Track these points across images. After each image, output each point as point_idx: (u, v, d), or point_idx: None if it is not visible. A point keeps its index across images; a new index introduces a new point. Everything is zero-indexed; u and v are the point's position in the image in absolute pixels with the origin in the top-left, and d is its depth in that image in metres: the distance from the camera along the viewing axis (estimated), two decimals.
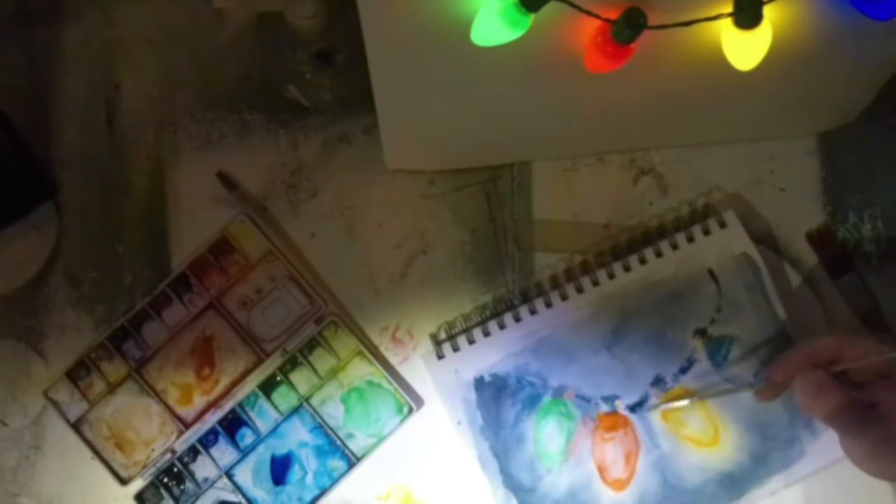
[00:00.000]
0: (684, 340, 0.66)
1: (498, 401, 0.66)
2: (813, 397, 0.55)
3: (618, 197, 0.71)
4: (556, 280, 0.69)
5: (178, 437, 0.67)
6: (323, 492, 0.67)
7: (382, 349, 0.69)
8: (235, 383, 0.68)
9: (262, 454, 0.67)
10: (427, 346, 0.68)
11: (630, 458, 0.65)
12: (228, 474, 0.67)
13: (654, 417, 0.65)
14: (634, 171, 0.71)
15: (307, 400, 0.67)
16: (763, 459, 0.64)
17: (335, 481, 0.67)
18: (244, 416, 0.68)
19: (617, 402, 0.66)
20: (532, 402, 0.66)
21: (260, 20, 0.71)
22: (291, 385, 0.68)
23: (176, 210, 0.71)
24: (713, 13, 0.49)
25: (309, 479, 0.67)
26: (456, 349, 0.67)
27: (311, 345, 0.68)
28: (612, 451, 0.65)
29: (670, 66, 0.56)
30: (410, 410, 0.67)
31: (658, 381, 0.66)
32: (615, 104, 0.62)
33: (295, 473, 0.67)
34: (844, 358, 0.56)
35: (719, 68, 0.52)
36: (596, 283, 0.67)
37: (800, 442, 0.64)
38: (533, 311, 0.67)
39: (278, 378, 0.68)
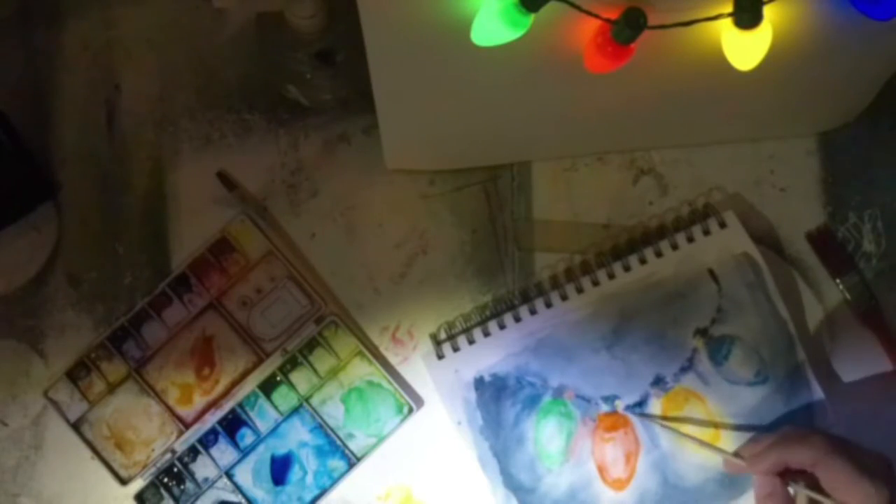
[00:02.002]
0: (685, 340, 0.66)
1: (498, 401, 0.66)
2: (761, 499, 0.57)
3: (618, 197, 0.71)
4: (556, 280, 0.69)
5: (178, 437, 0.67)
6: (323, 492, 0.67)
7: (382, 349, 0.69)
8: (235, 383, 0.68)
9: (262, 454, 0.67)
10: (427, 346, 0.68)
11: (630, 457, 0.65)
12: (228, 474, 0.67)
13: (655, 417, 0.65)
14: (634, 171, 0.71)
15: (307, 400, 0.67)
16: None
17: (335, 481, 0.67)
18: (244, 416, 0.68)
19: (617, 402, 0.66)
20: (532, 402, 0.66)
21: (260, 20, 0.71)
22: (291, 385, 0.68)
23: (176, 210, 0.71)
24: (713, 13, 0.49)
25: (309, 479, 0.67)
26: (456, 349, 0.67)
27: (311, 345, 0.68)
28: (612, 451, 0.65)
29: (670, 66, 0.56)
30: (410, 410, 0.67)
31: (658, 381, 0.66)
32: (615, 104, 0.62)
33: (295, 473, 0.67)
34: (816, 473, 0.54)
35: (719, 68, 0.52)
36: (596, 283, 0.67)
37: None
38: (533, 311, 0.67)
39: (278, 378, 0.68)
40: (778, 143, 0.71)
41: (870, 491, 0.52)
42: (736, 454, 0.60)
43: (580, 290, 0.67)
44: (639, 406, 0.65)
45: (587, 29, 0.50)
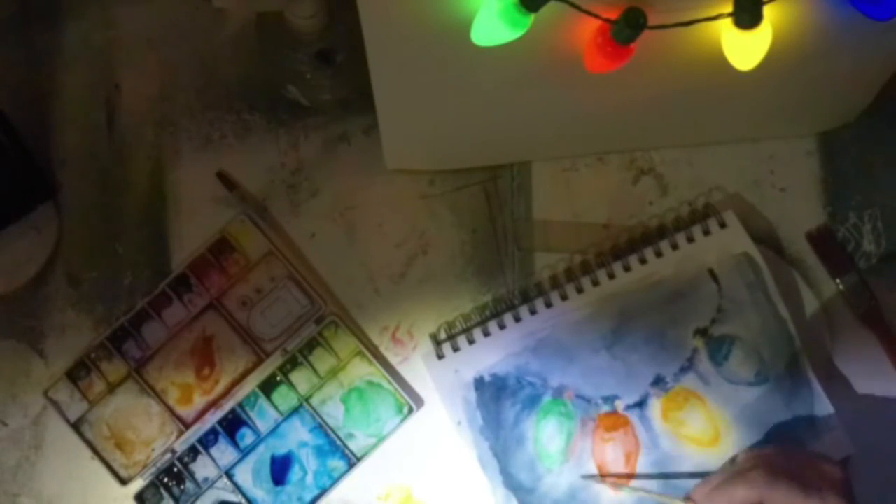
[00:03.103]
0: (685, 340, 0.66)
1: (498, 401, 0.66)
2: None
3: (618, 197, 0.71)
4: (556, 280, 0.69)
5: (178, 437, 0.67)
6: (323, 492, 0.67)
7: (382, 349, 0.69)
8: (235, 383, 0.68)
9: (262, 454, 0.67)
10: (427, 346, 0.68)
11: (630, 457, 0.65)
12: (228, 474, 0.67)
13: (655, 417, 0.65)
14: (634, 171, 0.71)
15: (307, 400, 0.67)
16: None
17: (335, 481, 0.67)
18: (244, 416, 0.68)
19: (617, 402, 0.66)
20: (532, 402, 0.66)
21: (260, 20, 0.71)
22: (291, 385, 0.68)
23: (176, 210, 0.71)
24: (713, 13, 0.49)
25: (309, 479, 0.67)
26: (456, 349, 0.67)
27: (311, 345, 0.68)
28: (612, 451, 0.65)
29: (670, 66, 0.56)
30: (410, 410, 0.67)
31: (659, 381, 0.66)
32: (615, 104, 0.62)
33: (295, 473, 0.67)
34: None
35: (719, 68, 0.52)
36: (596, 283, 0.67)
37: (802, 443, 0.64)
38: (533, 311, 0.67)
39: (278, 378, 0.68)
40: (778, 143, 0.71)
41: None
42: (688, 498, 0.60)
43: (580, 290, 0.67)
44: (639, 406, 0.65)
45: (587, 29, 0.50)
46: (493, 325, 0.67)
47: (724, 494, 0.57)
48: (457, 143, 0.68)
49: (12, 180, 0.68)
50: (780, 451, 0.61)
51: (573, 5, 0.47)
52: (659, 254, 0.67)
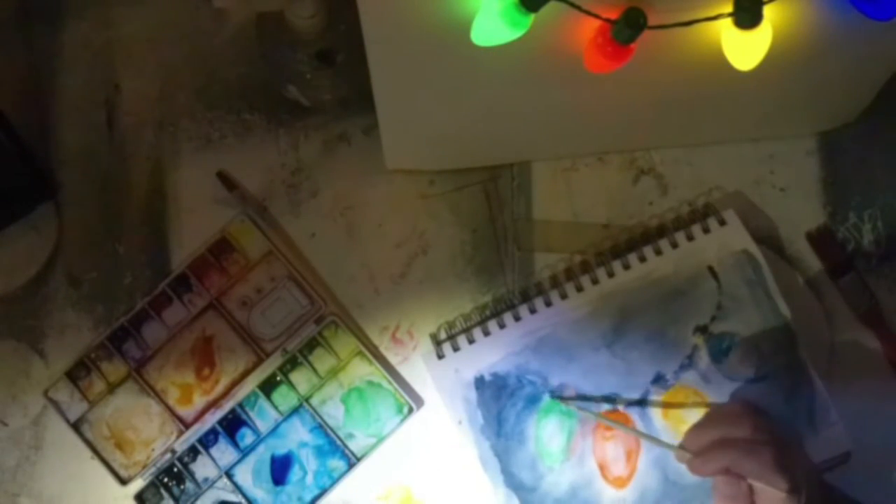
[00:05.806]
0: (685, 338, 0.66)
1: (498, 400, 0.66)
2: (724, 498, 0.56)
3: (618, 197, 0.71)
4: (555, 279, 0.69)
5: (178, 437, 0.67)
6: (323, 492, 0.67)
7: (382, 349, 0.69)
8: (235, 383, 0.68)
9: (262, 454, 0.67)
10: (427, 346, 0.68)
11: (631, 455, 0.65)
12: (228, 474, 0.67)
13: (655, 415, 0.65)
14: (634, 171, 0.71)
15: (307, 400, 0.67)
16: None
17: (335, 481, 0.67)
18: (244, 416, 0.68)
19: (617, 400, 0.66)
20: (532, 400, 0.66)
21: (260, 20, 0.71)
22: (291, 385, 0.68)
23: (176, 210, 0.71)
24: (713, 13, 0.49)
25: (309, 479, 0.67)
26: (456, 349, 0.67)
27: (311, 345, 0.68)
28: (612, 449, 0.65)
29: (670, 66, 0.56)
30: (410, 410, 0.67)
31: (659, 379, 0.66)
32: (615, 104, 0.62)
33: (295, 473, 0.67)
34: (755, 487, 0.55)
35: (719, 68, 0.52)
36: (595, 282, 0.67)
37: (801, 438, 0.64)
38: (533, 310, 0.67)
39: (278, 378, 0.68)
40: (778, 143, 0.71)
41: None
42: (681, 447, 0.59)
43: (580, 289, 0.67)
44: (639, 404, 0.65)
45: (587, 29, 0.50)
46: (493, 325, 0.67)
47: (722, 459, 0.56)
48: (457, 143, 0.68)
49: (12, 180, 0.68)
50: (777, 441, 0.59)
51: (573, 5, 0.47)
52: (658, 252, 0.67)
